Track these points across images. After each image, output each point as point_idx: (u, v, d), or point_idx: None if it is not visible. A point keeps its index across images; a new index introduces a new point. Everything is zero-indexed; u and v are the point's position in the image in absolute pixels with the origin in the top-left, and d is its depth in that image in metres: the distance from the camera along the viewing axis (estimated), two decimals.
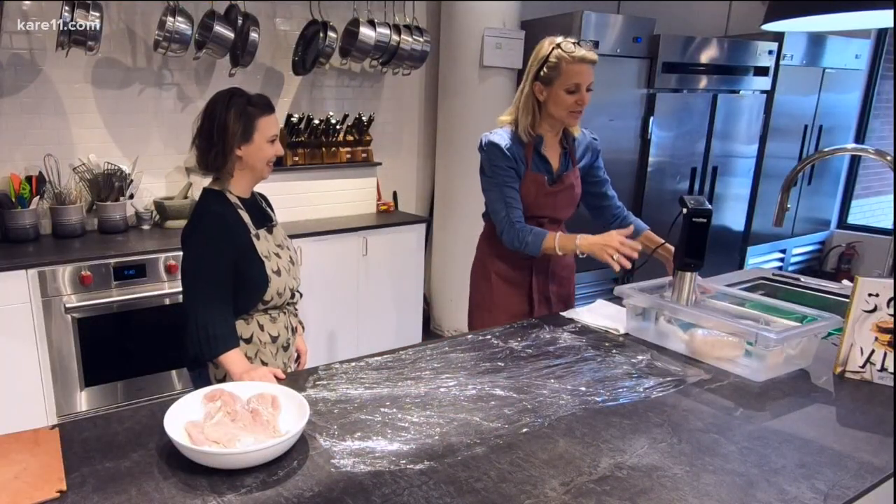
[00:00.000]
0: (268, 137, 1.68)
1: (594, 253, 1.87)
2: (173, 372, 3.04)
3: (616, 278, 4.14)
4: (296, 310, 1.91)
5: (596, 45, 1.97)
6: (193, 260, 1.68)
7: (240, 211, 1.72)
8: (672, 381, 1.56)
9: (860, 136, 5.21)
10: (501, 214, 2.01)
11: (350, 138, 3.69)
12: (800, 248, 5.21)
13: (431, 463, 1.19)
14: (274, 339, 1.80)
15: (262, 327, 1.77)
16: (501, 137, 2.01)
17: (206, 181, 1.77)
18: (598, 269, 2.34)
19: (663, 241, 2.10)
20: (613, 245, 1.83)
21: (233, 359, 1.61)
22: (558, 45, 1.91)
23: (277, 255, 1.78)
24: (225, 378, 1.69)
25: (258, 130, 1.66)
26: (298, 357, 1.98)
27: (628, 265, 1.82)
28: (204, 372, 1.74)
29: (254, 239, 1.71)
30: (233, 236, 1.67)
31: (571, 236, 1.93)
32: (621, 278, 4.16)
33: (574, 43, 1.91)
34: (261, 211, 1.83)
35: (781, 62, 4.43)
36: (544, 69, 1.93)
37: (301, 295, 1.93)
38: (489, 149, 2.01)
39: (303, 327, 2.01)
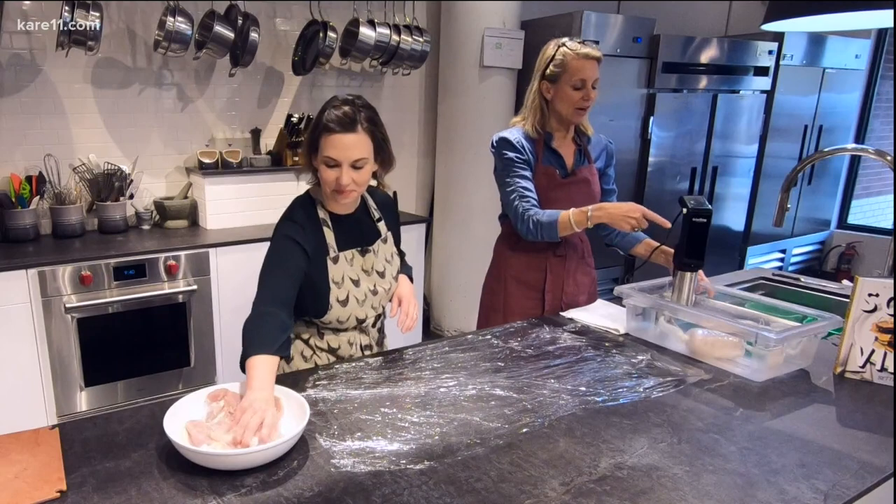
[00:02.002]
0: (323, 159, 1.53)
1: (612, 222, 1.87)
2: (173, 372, 3.04)
3: (616, 278, 4.15)
4: (377, 331, 1.81)
5: (596, 44, 2.00)
6: (264, 260, 1.59)
7: (324, 228, 1.61)
8: (672, 381, 1.56)
9: (860, 136, 5.21)
10: (514, 205, 2.00)
11: None
12: (800, 248, 5.21)
13: (431, 463, 1.19)
14: (333, 350, 1.71)
15: (321, 335, 1.70)
16: (511, 133, 2.06)
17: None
18: (598, 269, 2.33)
19: (659, 244, 2.09)
20: (636, 217, 1.84)
21: (252, 365, 1.35)
22: (563, 44, 1.98)
23: (356, 281, 1.65)
24: None
25: (320, 148, 1.53)
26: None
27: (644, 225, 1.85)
28: None
29: (329, 262, 1.61)
30: (301, 251, 1.56)
31: (584, 209, 1.90)
32: (621, 278, 4.16)
33: (579, 42, 1.98)
34: (360, 230, 1.69)
35: (781, 62, 4.43)
36: (550, 67, 1.99)
37: (382, 317, 1.80)
38: (500, 144, 2.05)
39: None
